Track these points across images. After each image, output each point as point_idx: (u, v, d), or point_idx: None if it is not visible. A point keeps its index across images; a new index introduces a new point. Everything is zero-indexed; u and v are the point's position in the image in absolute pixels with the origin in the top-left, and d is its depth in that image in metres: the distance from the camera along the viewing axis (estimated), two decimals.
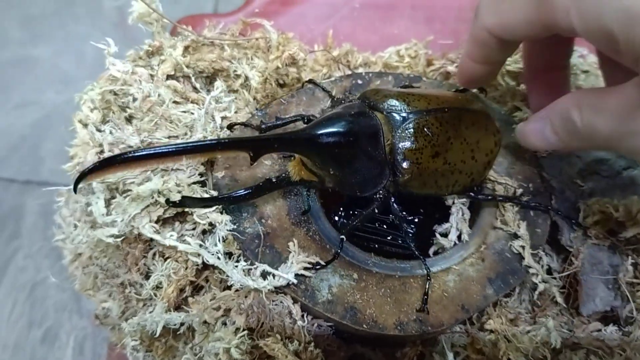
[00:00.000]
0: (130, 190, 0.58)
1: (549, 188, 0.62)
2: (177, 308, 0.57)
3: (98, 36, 0.65)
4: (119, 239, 0.57)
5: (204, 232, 0.58)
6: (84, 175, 0.44)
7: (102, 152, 0.64)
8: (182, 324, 0.54)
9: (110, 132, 0.64)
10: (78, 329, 0.73)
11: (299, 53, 0.73)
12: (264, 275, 0.53)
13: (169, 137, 0.63)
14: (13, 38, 0.73)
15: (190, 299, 0.56)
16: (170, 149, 0.45)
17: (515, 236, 0.58)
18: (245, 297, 0.54)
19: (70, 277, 0.71)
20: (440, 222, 0.59)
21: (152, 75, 0.65)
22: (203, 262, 0.57)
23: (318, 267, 0.54)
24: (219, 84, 0.68)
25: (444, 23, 0.88)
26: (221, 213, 0.56)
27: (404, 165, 0.53)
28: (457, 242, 0.58)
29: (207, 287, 0.59)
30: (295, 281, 0.52)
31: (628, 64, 0.44)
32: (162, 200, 0.55)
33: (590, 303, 0.57)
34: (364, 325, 0.52)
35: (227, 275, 0.54)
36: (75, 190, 0.46)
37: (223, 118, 0.66)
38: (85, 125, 0.66)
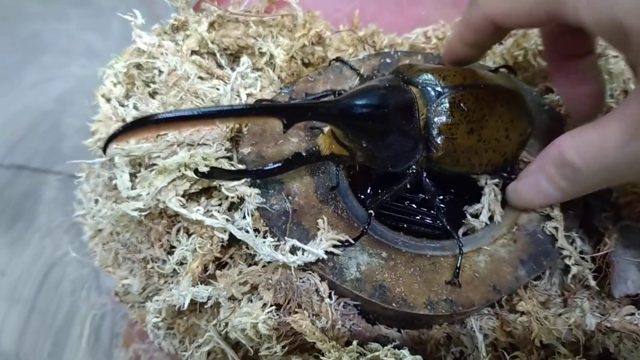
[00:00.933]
0: (155, 164, 0.57)
1: None
2: (203, 283, 0.56)
3: (124, 9, 0.64)
4: (144, 213, 0.56)
5: (229, 208, 0.57)
6: (115, 135, 0.43)
7: None
8: (209, 298, 0.53)
9: (135, 107, 0.63)
10: (97, 307, 0.72)
11: (326, 31, 0.72)
12: (293, 250, 0.52)
13: None
14: (34, 12, 0.72)
15: (218, 272, 0.55)
16: (203, 112, 0.44)
17: (549, 217, 0.56)
18: (273, 273, 0.53)
19: (90, 253, 0.70)
20: (470, 203, 0.58)
21: (177, 50, 0.64)
22: (229, 239, 0.56)
23: (347, 244, 0.53)
24: (245, 59, 0.67)
25: None
26: (250, 186, 0.55)
27: (439, 140, 0.52)
28: (488, 222, 0.57)
29: (233, 263, 0.58)
30: (325, 257, 0.51)
31: (634, 60, 0.42)
32: (189, 173, 0.54)
33: (622, 285, 0.56)
34: (393, 304, 0.51)
35: (254, 251, 0.53)
36: (105, 151, 0.44)
37: (248, 95, 0.65)
38: (108, 100, 0.65)
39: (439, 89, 0.53)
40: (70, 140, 0.75)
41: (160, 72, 0.63)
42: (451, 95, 0.52)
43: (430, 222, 0.60)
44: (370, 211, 0.54)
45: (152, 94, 0.65)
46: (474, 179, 0.59)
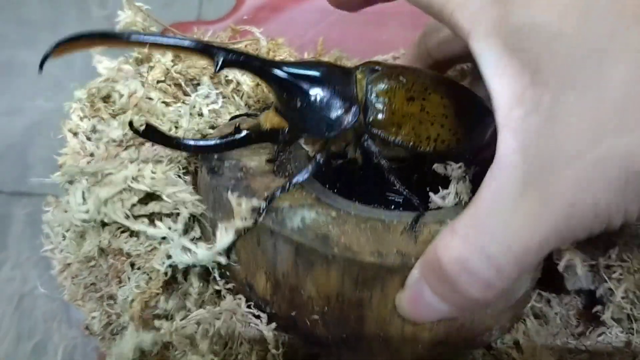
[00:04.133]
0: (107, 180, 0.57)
1: None
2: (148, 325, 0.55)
3: None
4: (87, 224, 0.57)
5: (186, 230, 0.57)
6: (54, 47, 0.44)
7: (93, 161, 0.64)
8: (155, 344, 0.52)
9: (93, 129, 0.65)
10: (68, 339, 0.72)
11: (289, 59, 0.74)
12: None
13: None
14: (11, 37, 0.73)
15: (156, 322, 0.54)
16: (136, 35, 0.46)
17: None
18: (216, 319, 0.52)
19: (59, 287, 0.70)
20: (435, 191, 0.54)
21: (142, 83, 0.65)
22: (172, 269, 0.55)
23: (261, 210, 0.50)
24: (205, 79, 0.68)
25: None
26: (190, 194, 0.56)
27: (375, 102, 0.52)
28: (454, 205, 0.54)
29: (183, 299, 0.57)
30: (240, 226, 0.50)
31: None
32: (135, 185, 0.55)
33: (574, 279, 0.56)
34: (335, 249, 0.47)
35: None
36: (41, 67, 0.45)
37: (211, 111, 0.66)
38: (75, 134, 0.66)
39: (377, 67, 0.54)
40: (38, 172, 0.75)
41: (121, 95, 0.64)
42: (389, 69, 0.54)
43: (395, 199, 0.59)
44: (268, 196, 0.51)
45: (114, 116, 0.66)
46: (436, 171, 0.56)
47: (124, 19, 0.69)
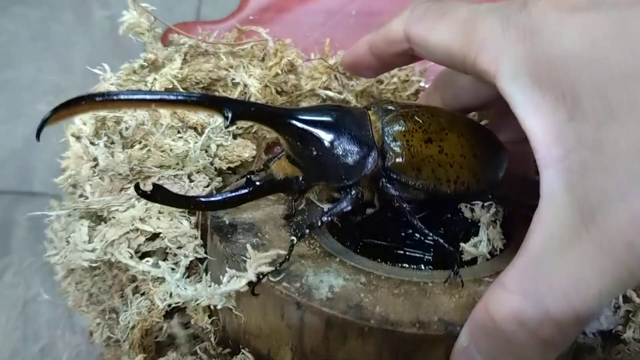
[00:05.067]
0: (113, 217, 0.57)
1: None
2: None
3: (87, 45, 0.63)
4: (94, 264, 0.56)
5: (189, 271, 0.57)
6: (49, 117, 0.42)
7: (96, 165, 0.62)
8: None
9: (97, 133, 0.64)
10: (72, 346, 0.71)
11: (297, 59, 0.73)
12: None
13: (160, 167, 0.61)
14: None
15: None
16: (141, 95, 0.44)
17: None
18: None
19: (63, 293, 0.68)
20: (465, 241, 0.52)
21: (150, 90, 0.64)
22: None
23: (281, 261, 0.48)
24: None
25: None
26: (194, 238, 0.55)
27: (393, 145, 0.50)
28: (489, 257, 0.52)
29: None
30: (254, 279, 0.46)
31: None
32: (142, 227, 0.55)
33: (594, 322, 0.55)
34: (372, 320, 0.43)
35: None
36: (38, 136, 0.43)
37: (219, 145, 0.65)
38: (78, 139, 0.64)
39: (391, 107, 0.53)
40: (40, 176, 0.74)
41: (128, 127, 0.63)
42: (404, 109, 0.52)
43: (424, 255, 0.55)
44: (293, 237, 0.49)
45: (122, 135, 0.64)
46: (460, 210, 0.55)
47: (128, 19, 0.68)
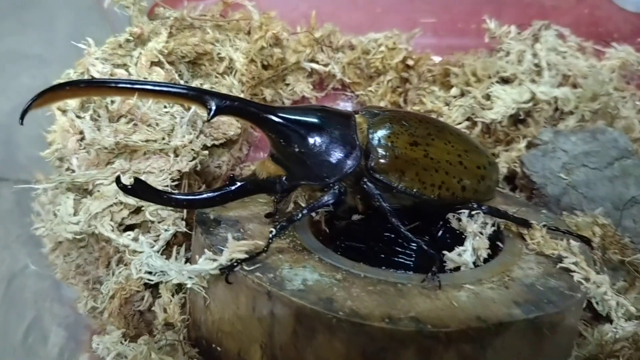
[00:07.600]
0: (98, 190, 0.58)
1: (529, 183, 0.61)
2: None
3: (72, 17, 0.62)
4: (78, 237, 0.57)
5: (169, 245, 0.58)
6: (33, 100, 0.44)
7: (82, 138, 0.62)
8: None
9: (82, 107, 0.64)
10: (60, 318, 0.71)
11: (283, 33, 0.72)
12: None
13: (147, 141, 0.61)
14: None
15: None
16: (126, 83, 0.45)
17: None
18: None
19: (50, 265, 0.69)
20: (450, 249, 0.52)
21: (135, 64, 0.64)
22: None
23: (256, 253, 0.48)
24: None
25: (427, 1, 0.87)
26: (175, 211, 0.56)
27: (377, 146, 0.50)
28: (472, 266, 0.52)
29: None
30: (226, 263, 0.47)
31: None
32: (125, 200, 0.56)
33: None
34: (340, 312, 0.43)
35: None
36: (22, 119, 0.45)
37: (205, 122, 0.65)
38: (64, 112, 0.64)
39: (378, 111, 0.53)
40: (26, 150, 0.73)
41: (113, 100, 0.63)
42: (392, 113, 0.53)
43: (406, 260, 0.56)
44: (272, 229, 0.49)
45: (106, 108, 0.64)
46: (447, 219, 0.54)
47: None
